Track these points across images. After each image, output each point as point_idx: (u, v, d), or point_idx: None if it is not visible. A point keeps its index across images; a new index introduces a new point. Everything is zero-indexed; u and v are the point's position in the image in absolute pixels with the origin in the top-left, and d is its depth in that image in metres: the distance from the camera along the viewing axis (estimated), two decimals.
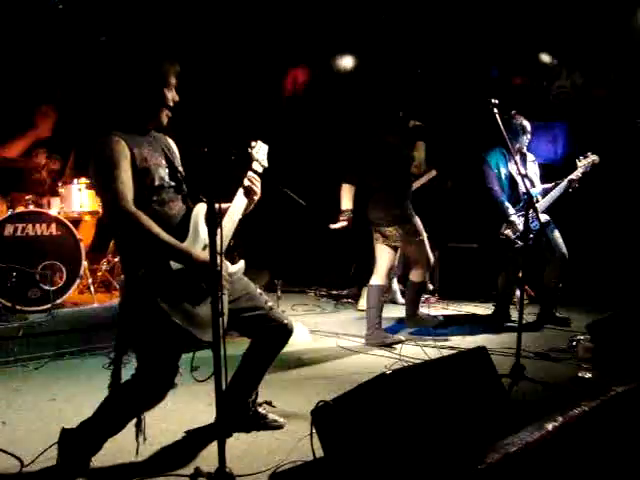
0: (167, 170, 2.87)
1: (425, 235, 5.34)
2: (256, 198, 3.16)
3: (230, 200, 3.06)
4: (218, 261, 2.42)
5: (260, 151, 3.23)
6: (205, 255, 2.64)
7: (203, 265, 2.65)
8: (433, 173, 6.45)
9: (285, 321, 3.22)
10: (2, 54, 6.13)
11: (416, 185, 6.70)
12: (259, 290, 3.20)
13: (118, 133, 2.72)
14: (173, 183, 2.88)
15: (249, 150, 3.18)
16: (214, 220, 2.34)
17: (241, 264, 3.09)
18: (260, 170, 3.19)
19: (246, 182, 3.09)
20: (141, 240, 2.65)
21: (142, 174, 2.73)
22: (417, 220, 5.32)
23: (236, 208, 3.05)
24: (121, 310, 2.87)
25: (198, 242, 2.81)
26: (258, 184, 3.14)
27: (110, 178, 2.62)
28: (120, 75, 2.87)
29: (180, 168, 2.99)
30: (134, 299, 2.73)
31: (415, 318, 5.69)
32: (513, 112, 5.61)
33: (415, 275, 5.55)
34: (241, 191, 3.09)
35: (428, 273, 5.55)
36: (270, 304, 3.21)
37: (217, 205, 2.36)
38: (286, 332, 3.22)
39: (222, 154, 2.43)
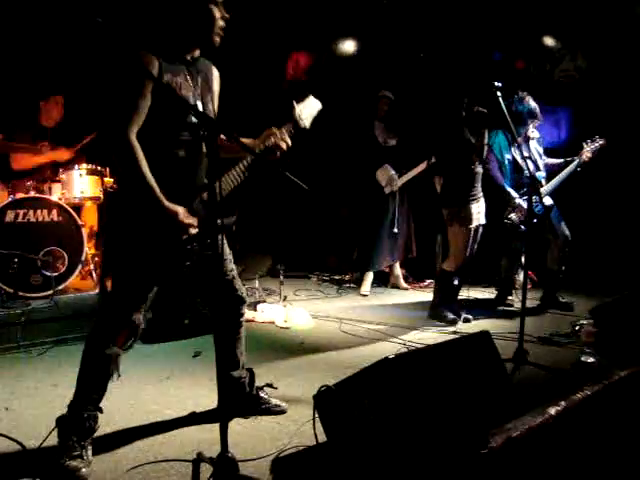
0: (200, 101, 2.82)
1: (474, 226, 5.21)
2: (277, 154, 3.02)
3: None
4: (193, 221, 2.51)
5: (305, 109, 3.11)
6: (174, 207, 2.67)
7: (170, 216, 2.67)
8: (423, 166, 6.42)
9: (241, 293, 3.20)
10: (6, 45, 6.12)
11: (408, 177, 6.70)
12: (230, 257, 3.17)
13: (155, 55, 2.63)
14: (195, 120, 2.75)
15: (293, 104, 3.08)
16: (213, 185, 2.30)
17: (232, 219, 3.04)
18: (292, 131, 3.07)
19: (269, 140, 2.97)
20: (127, 172, 2.68)
21: (164, 104, 2.66)
22: (474, 208, 5.21)
23: (242, 163, 2.94)
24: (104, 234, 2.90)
25: (191, 188, 2.83)
26: (282, 148, 3.00)
27: (124, 99, 2.60)
28: None
29: (211, 105, 2.92)
30: (118, 224, 2.79)
31: (435, 310, 5.48)
32: (522, 94, 5.55)
33: (445, 263, 5.45)
34: (261, 146, 2.98)
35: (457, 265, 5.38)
36: (234, 273, 3.18)
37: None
38: (239, 302, 3.20)
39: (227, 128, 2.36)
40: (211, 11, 2.72)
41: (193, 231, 2.75)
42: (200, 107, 2.80)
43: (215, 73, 3.02)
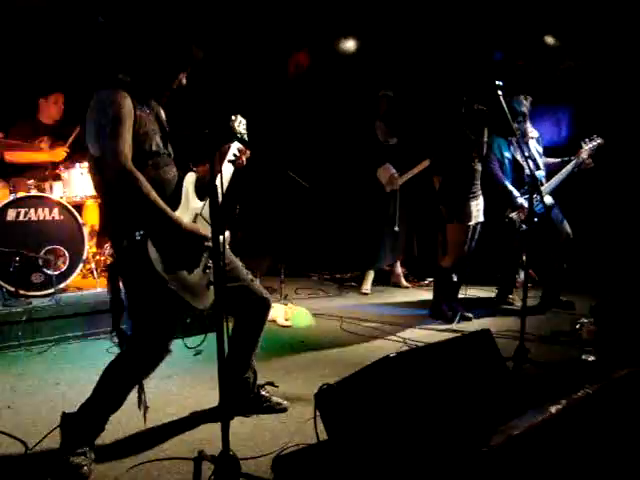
0: (161, 138, 2.86)
1: (473, 223, 5.24)
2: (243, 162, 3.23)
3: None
4: (208, 231, 2.48)
5: (240, 125, 3.29)
6: (194, 226, 2.75)
7: (191, 235, 2.71)
8: (426, 163, 6.41)
9: (265, 295, 3.25)
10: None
11: (409, 176, 6.70)
12: (240, 262, 3.20)
13: (125, 91, 2.68)
14: (166, 150, 2.88)
15: (230, 124, 3.23)
16: (215, 196, 2.32)
17: (226, 234, 3.07)
18: (239, 145, 3.23)
19: (232, 154, 3.16)
20: (137, 202, 2.62)
21: (141, 137, 2.71)
22: (474, 205, 5.24)
23: (225, 178, 3.06)
24: (113, 273, 2.81)
25: (188, 211, 2.85)
26: (245, 155, 3.21)
27: (114, 134, 2.59)
28: (145, 45, 2.84)
29: (168, 137, 2.98)
30: (129, 262, 2.71)
31: (436, 309, 5.50)
32: (524, 95, 5.58)
33: (443, 260, 5.48)
34: (226, 163, 3.13)
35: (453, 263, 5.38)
36: (250, 277, 3.21)
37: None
38: (265, 306, 3.26)
39: (202, 129, 2.41)
40: (178, 76, 2.88)
41: (210, 243, 2.73)
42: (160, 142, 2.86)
43: (163, 112, 3.04)
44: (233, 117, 3.28)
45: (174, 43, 2.83)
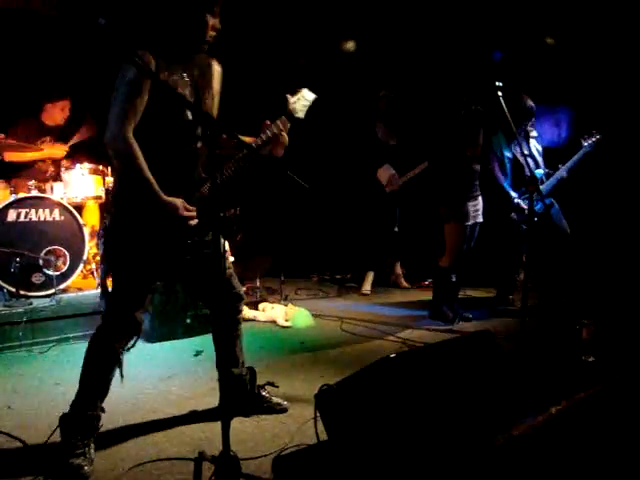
0: (198, 101, 2.84)
1: (471, 223, 5.26)
2: (280, 151, 3.07)
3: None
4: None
5: (300, 100, 3.12)
6: (173, 200, 2.71)
7: (168, 209, 2.70)
8: (424, 165, 6.42)
9: (239, 291, 3.23)
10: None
11: (409, 176, 6.70)
12: (227, 254, 3.20)
13: (152, 54, 2.66)
14: (191, 117, 2.80)
15: (287, 97, 3.10)
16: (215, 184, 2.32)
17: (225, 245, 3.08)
18: (288, 123, 3.09)
19: (266, 134, 3.00)
20: (124, 168, 2.69)
21: (161, 102, 2.68)
22: (471, 205, 5.26)
23: (241, 158, 2.96)
24: (105, 237, 2.90)
25: (189, 183, 2.85)
26: (280, 141, 3.05)
27: (122, 99, 2.62)
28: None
29: (210, 102, 2.93)
30: (117, 223, 2.80)
31: (436, 309, 5.51)
32: (522, 95, 5.59)
33: (441, 260, 5.48)
34: (258, 141, 3.00)
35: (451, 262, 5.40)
36: (231, 271, 3.20)
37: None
38: (237, 299, 3.23)
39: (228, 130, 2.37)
40: (205, 20, 2.76)
41: (193, 222, 2.77)
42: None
43: (217, 70, 3.02)
44: (297, 90, 3.13)
45: None
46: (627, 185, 6.79)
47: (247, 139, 2.98)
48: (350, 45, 8.27)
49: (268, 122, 3.02)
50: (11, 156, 5.63)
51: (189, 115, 2.79)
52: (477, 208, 5.30)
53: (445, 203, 5.35)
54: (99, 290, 5.26)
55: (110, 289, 2.90)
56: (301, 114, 3.14)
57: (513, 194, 5.53)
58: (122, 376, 2.93)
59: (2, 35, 6.19)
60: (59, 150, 5.78)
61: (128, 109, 2.63)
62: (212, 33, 2.81)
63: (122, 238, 2.77)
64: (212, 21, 2.78)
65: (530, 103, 5.57)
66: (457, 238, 5.28)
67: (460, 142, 5.17)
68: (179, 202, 2.73)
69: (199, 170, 2.91)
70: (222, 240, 2.28)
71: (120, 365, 2.91)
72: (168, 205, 2.70)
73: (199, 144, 2.89)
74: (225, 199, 2.82)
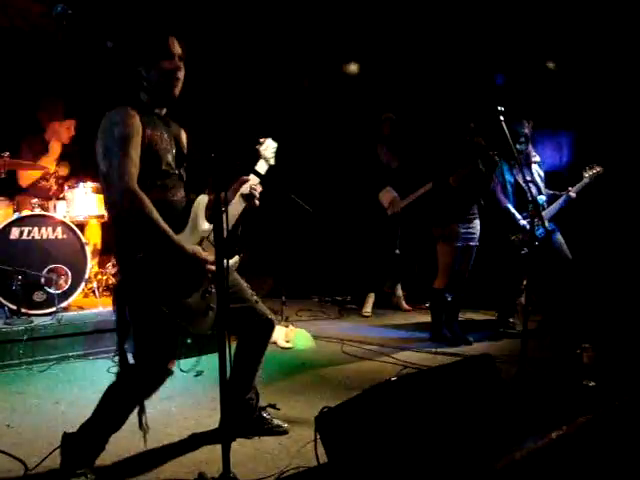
0: (175, 157, 2.86)
1: (460, 245, 5.30)
2: (256, 203, 3.14)
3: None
4: (213, 257, 2.47)
5: (268, 149, 3.26)
6: (196, 249, 2.70)
7: (192, 258, 2.68)
8: (428, 187, 6.45)
9: (270, 316, 3.23)
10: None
11: (411, 199, 6.72)
12: (245, 284, 3.20)
13: (134, 109, 2.67)
14: (177, 171, 2.86)
15: (257, 147, 3.21)
16: (219, 221, 2.33)
17: (235, 259, 3.08)
18: (264, 170, 3.22)
19: (246, 190, 3.09)
20: (139, 223, 2.61)
21: (150, 156, 2.69)
22: (461, 227, 5.30)
23: (233, 212, 3.02)
24: (117, 295, 2.81)
25: (196, 233, 2.84)
26: (258, 192, 3.14)
27: (120, 154, 2.58)
28: (126, 51, 2.75)
29: (184, 159, 2.98)
30: (130, 282, 2.72)
31: (436, 332, 5.52)
32: (527, 121, 5.65)
33: (435, 281, 5.51)
34: (239, 197, 3.08)
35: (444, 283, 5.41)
36: (255, 298, 3.21)
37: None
38: (269, 326, 3.24)
39: (229, 154, 2.40)
40: (161, 67, 2.76)
41: (212, 268, 2.70)
42: (173, 162, 2.85)
43: (184, 133, 3.06)
44: (261, 140, 3.27)
45: (149, 34, 2.80)
46: (627, 209, 6.81)
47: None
48: (353, 68, 8.33)
49: (244, 177, 3.12)
50: (26, 180, 5.68)
51: (175, 168, 2.84)
52: (471, 231, 5.35)
53: (434, 224, 5.43)
54: (99, 309, 5.28)
55: (138, 342, 2.79)
56: (272, 161, 3.31)
57: (518, 216, 5.55)
58: (147, 428, 2.89)
59: (7, 54, 6.25)
60: (64, 169, 5.83)
61: (129, 162, 2.59)
62: (177, 77, 2.80)
63: (144, 292, 2.68)
64: (167, 66, 2.77)
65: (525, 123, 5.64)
66: (446, 258, 5.35)
67: (452, 166, 5.21)
68: (198, 248, 2.72)
69: (203, 220, 2.90)
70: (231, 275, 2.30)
71: (142, 412, 2.86)
72: (193, 254, 2.68)
73: (185, 194, 2.92)
74: (231, 246, 2.81)
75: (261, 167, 3.23)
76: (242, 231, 3.14)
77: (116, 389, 2.80)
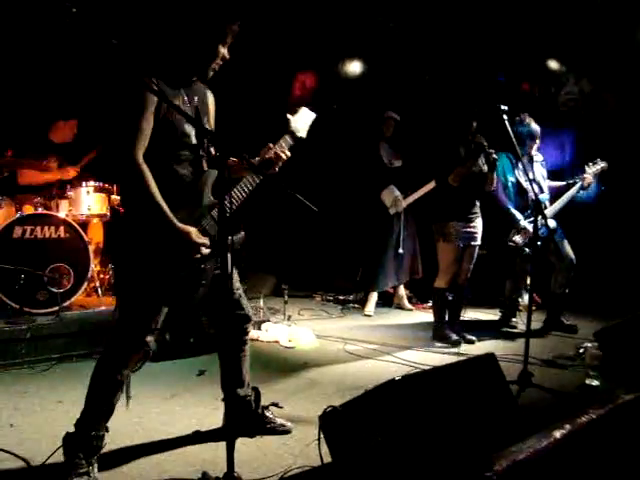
0: (195, 128, 2.85)
1: (459, 244, 5.26)
2: (275, 169, 3.07)
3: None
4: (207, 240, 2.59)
5: (300, 120, 3.16)
6: (186, 228, 2.71)
7: (182, 236, 2.69)
8: (430, 186, 6.45)
9: (248, 312, 3.24)
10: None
11: (413, 198, 6.72)
12: (236, 275, 3.19)
13: (152, 78, 2.64)
14: (195, 141, 2.85)
15: (288, 117, 3.13)
16: (223, 199, 2.32)
17: (241, 234, 3.05)
18: (287, 144, 3.10)
19: (269, 153, 3.03)
20: (136, 193, 2.69)
21: (166, 127, 2.71)
22: (459, 226, 5.27)
23: (246, 185, 2.98)
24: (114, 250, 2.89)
25: (199, 207, 2.85)
26: (282, 158, 3.05)
27: (129, 123, 2.64)
28: (175, 24, 2.84)
29: (209, 127, 2.99)
30: (123, 243, 2.79)
31: (438, 331, 5.49)
32: (523, 115, 5.63)
33: (436, 280, 5.50)
34: (258, 161, 3.02)
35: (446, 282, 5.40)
36: (240, 291, 3.21)
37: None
38: (245, 321, 3.23)
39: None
40: (217, 50, 2.82)
41: (205, 251, 2.77)
42: (191, 131, 2.84)
43: (210, 97, 3.08)
44: (297, 108, 3.18)
45: (208, 16, 2.79)
46: (631, 205, 6.82)
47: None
48: (355, 67, 8.32)
49: (271, 144, 3.06)
50: (24, 178, 5.67)
51: (193, 139, 2.83)
52: (472, 230, 5.33)
53: (433, 222, 5.43)
54: (102, 308, 5.27)
55: (120, 305, 2.90)
56: (303, 133, 3.19)
57: (519, 216, 5.54)
58: (128, 398, 2.92)
59: (8, 53, 6.25)
60: (69, 171, 5.82)
61: (136, 132, 2.64)
62: (220, 62, 2.86)
63: (132, 262, 2.76)
64: (222, 51, 2.83)
65: (534, 125, 5.62)
66: (447, 257, 5.33)
67: (453, 165, 5.20)
68: (192, 229, 2.73)
69: (208, 194, 2.89)
70: (230, 262, 2.29)
71: (128, 388, 2.90)
72: (182, 232, 2.70)
73: (204, 167, 2.91)
74: (235, 223, 2.81)
75: (285, 141, 3.10)
76: (245, 230, 3.11)
77: (99, 363, 2.85)
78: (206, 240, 2.77)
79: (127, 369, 2.84)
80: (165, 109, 2.70)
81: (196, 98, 2.93)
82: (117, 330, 2.86)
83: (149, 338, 2.82)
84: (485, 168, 5.24)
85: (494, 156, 5.05)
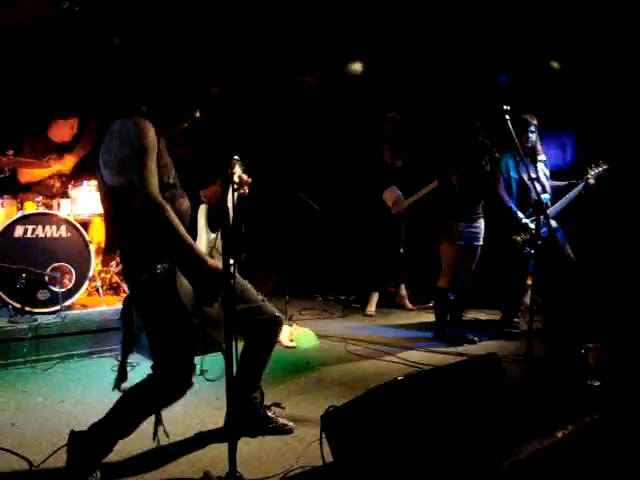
0: (174, 170, 2.84)
1: (461, 243, 5.28)
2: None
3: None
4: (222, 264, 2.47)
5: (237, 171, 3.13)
6: (216, 263, 2.65)
7: (214, 271, 2.63)
8: (432, 186, 6.44)
9: (276, 313, 3.23)
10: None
11: (415, 198, 6.72)
12: (249, 286, 3.19)
13: (150, 121, 2.64)
14: (178, 183, 2.85)
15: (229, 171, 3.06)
16: (227, 226, 2.33)
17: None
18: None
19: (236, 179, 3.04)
20: (165, 235, 2.58)
21: (161, 169, 2.68)
22: (462, 226, 5.28)
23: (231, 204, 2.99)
24: (130, 306, 2.78)
25: (204, 244, 2.85)
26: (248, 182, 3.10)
27: (143, 165, 2.55)
28: (166, 78, 2.79)
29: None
30: (151, 295, 2.68)
31: (440, 331, 5.51)
32: (527, 114, 5.64)
33: (438, 280, 5.50)
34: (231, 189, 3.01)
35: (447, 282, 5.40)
36: (261, 297, 3.21)
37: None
38: (277, 323, 3.22)
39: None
40: (209, 91, 2.83)
41: None
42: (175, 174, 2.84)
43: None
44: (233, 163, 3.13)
45: (195, 80, 2.79)
46: (632, 206, 6.80)
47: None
48: (357, 67, 8.32)
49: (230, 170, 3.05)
50: (26, 176, 5.68)
51: (176, 178, 2.81)
52: (475, 230, 5.33)
53: (438, 222, 5.43)
54: (103, 307, 5.27)
55: (161, 353, 2.78)
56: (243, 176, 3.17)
57: (520, 214, 5.54)
58: (167, 435, 2.93)
59: (7, 51, 6.25)
60: (68, 160, 5.82)
61: (152, 172, 2.58)
62: (189, 121, 2.87)
63: (168, 302, 2.67)
64: (196, 114, 2.84)
65: (533, 122, 5.64)
66: (449, 258, 5.34)
67: (456, 165, 5.19)
68: (216, 262, 2.67)
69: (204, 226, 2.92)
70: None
71: (159, 422, 2.89)
72: (212, 266, 2.64)
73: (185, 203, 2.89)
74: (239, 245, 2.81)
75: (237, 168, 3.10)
76: (245, 230, 3.12)
77: (136, 395, 2.78)
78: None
79: (168, 404, 2.83)
80: (161, 153, 2.68)
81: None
82: (164, 375, 2.75)
83: (193, 375, 2.80)
84: (488, 168, 5.23)
85: (497, 155, 5.04)
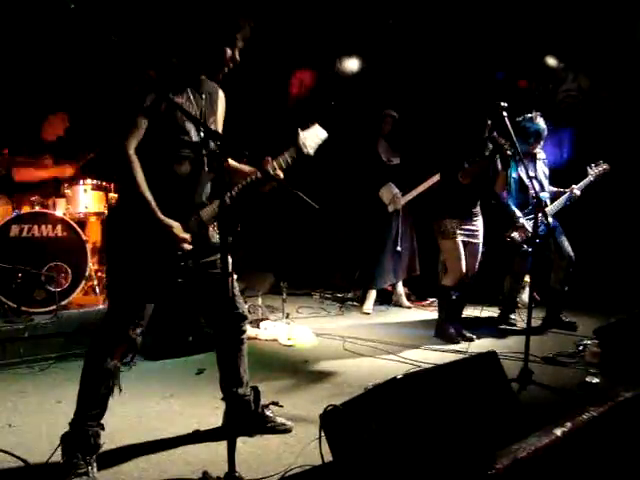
0: (197, 128, 2.83)
1: (458, 240, 5.25)
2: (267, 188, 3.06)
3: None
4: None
5: (310, 137, 3.08)
6: (169, 221, 2.72)
7: (165, 229, 2.71)
8: (427, 184, 6.43)
9: (244, 312, 3.22)
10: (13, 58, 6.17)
11: (411, 195, 6.71)
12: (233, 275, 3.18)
13: (151, 73, 2.69)
14: (197, 139, 2.83)
15: (298, 131, 3.07)
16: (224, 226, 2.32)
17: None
18: (294, 156, 3.05)
19: (266, 168, 2.97)
20: (125, 183, 2.79)
21: (166, 121, 2.74)
22: (456, 223, 5.25)
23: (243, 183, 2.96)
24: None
25: (190, 205, 2.88)
26: (274, 180, 2.98)
27: (124, 116, 2.71)
28: (181, 21, 2.88)
29: (214, 126, 2.96)
30: (113, 237, 2.86)
31: (440, 328, 5.49)
32: (535, 114, 5.62)
33: (444, 278, 5.49)
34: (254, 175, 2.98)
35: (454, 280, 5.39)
36: (236, 290, 3.19)
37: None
38: (241, 319, 3.20)
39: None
40: (224, 53, 2.79)
41: (187, 247, 2.78)
42: (192, 130, 2.84)
43: (221, 95, 3.07)
44: (309, 125, 3.11)
45: (215, 16, 2.78)
46: (629, 202, 6.82)
47: (244, 167, 3.03)
48: (354, 64, 8.31)
49: (269, 158, 3.02)
50: (21, 175, 5.64)
51: (194, 137, 2.82)
52: (473, 228, 5.31)
53: (433, 219, 5.41)
54: (100, 307, 5.26)
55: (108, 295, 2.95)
56: (311, 150, 3.10)
57: (518, 213, 5.53)
58: (120, 390, 2.91)
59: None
60: (66, 168, 5.80)
61: (130, 126, 2.69)
62: (230, 64, 2.84)
63: (116, 253, 2.82)
64: (230, 54, 2.81)
65: (542, 125, 5.62)
66: (451, 253, 5.31)
67: (463, 162, 5.17)
68: (175, 224, 2.74)
69: (200, 193, 2.92)
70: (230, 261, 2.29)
71: (117, 379, 2.89)
72: (163, 224, 2.71)
73: (205, 167, 2.90)
74: (232, 222, 2.82)
75: (289, 154, 3.05)
76: (242, 227, 3.12)
77: (86, 360, 2.87)
78: (188, 237, 2.78)
79: (113, 360, 2.84)
80: (166, 107, 2.71)
81: (204, 96, 2.92)
82: (103, 321, 2.89)
83: (133, 331, 2.83)
84: (500, 167, 5.24)
85: (509, 152, 5.00)
